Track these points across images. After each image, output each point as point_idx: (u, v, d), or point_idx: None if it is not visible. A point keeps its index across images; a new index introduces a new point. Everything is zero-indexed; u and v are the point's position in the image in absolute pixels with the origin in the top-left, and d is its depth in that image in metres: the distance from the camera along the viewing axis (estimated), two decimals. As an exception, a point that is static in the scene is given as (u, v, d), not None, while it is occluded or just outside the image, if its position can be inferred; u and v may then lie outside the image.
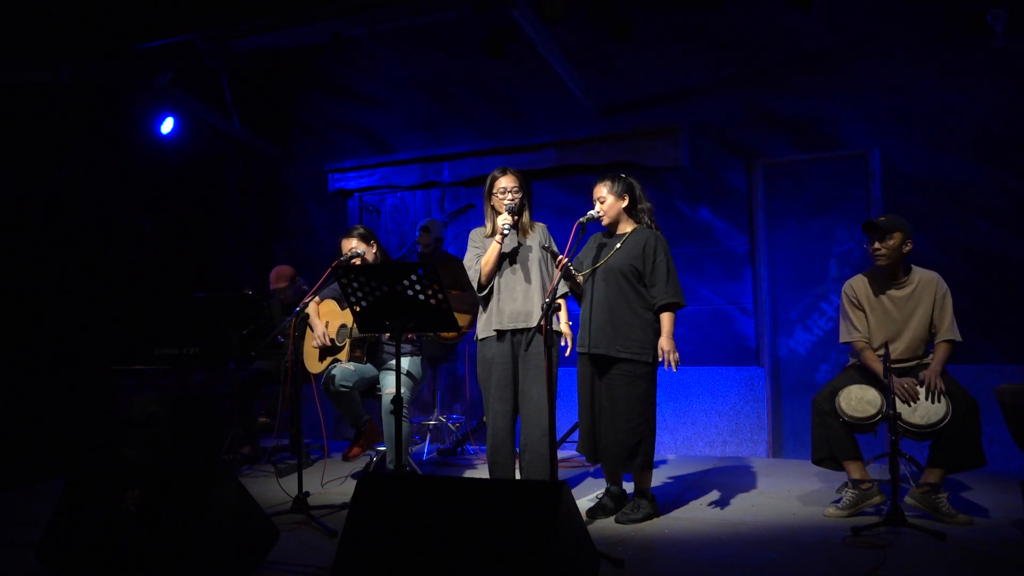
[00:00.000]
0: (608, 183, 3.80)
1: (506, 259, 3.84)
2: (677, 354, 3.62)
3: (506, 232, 3.73)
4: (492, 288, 3.85)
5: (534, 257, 3.83)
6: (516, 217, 3.83)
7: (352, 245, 4.48)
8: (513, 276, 3.83)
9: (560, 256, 3.50)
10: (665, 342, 3.62)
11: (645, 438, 3.65)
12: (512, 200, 3.80)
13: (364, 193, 6.73)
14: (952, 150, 5.01)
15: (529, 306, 3.78)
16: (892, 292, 3.82)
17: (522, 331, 3.79)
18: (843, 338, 3.91)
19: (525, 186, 3.89)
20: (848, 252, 5.28)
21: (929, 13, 4.93)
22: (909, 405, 3.60)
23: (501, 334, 3.82)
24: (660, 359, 3.62)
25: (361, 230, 4.58)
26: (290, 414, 4.31)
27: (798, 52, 5.30)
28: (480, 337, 3.90)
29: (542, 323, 3.33)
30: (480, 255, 3.85)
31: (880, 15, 5.03)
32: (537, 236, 3.89)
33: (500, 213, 3.80)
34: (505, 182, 3.84)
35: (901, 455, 3.51)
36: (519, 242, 3.87)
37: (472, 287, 3.93)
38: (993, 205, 4.92)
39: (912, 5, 4.94)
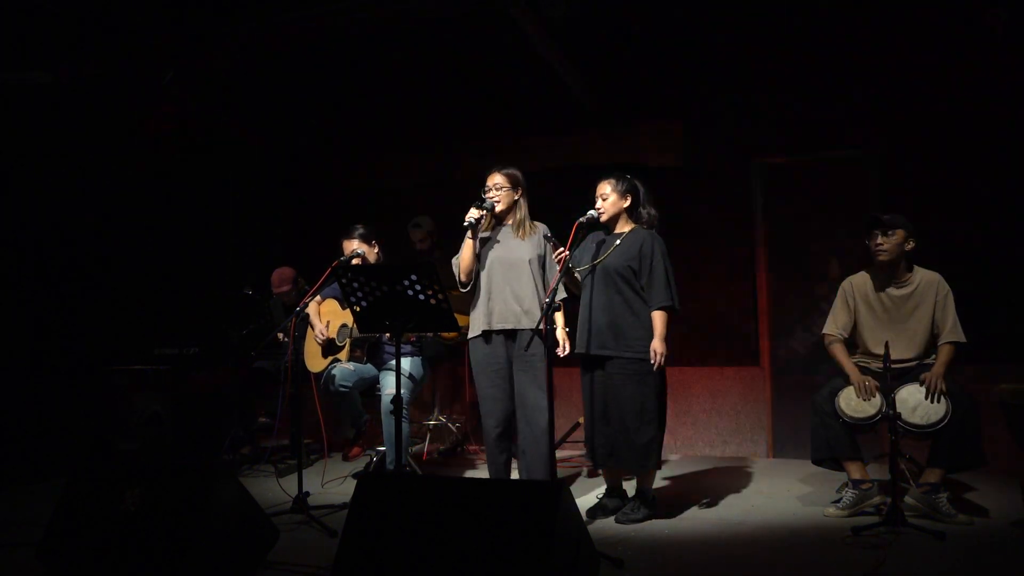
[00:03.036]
0: (613, 181, 3.79)
1: (499, 259, 3.80)
2: (665, 355, 3.62)
3: (472, 221, 3.70)
4: (481, 286, 3.82)
5: (528, 257, 3.77)
6: (491, 218, 3.83)
7: (353, 246, 4.49)
8: (505, 276, 3.78)
9: (562, 249, 3.46)
10: (657, 344, 3.61)
11: (655, 438, 3.65)
12: (494, 196, 3.80)
13: (364, 193, 6.72)
14: (952, 150, 5.00)
15: (520, 306, 3.73)
16: (892, 291, 3.82)
17: (512, 332, 3.76)
18: (824, 328, 3.97)
19: (520, 185, 3.86)
20: (848, 252, 5.27)
21: (929, 12, 4.92)
22: (866, 400, 3.63)
23: (489, 334, 3.78)
24: (652, 360, 3.60)
25: (362, 230, 4.58)
26: (290, 414, 4.30)
27: (798, 52, 5.29)
28: (470, 336, 3.87)
29: (541, 324, 3.32)
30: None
31: (880, 14, 5.03)
32: (537, 236, 3.83)
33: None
34: (491, 180, 3.84)
35: (901, 455, 3.51)
36: (514, 242, 3.82)
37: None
38: (993, 205, 4.92)
39: (912, 4, 4.93)
